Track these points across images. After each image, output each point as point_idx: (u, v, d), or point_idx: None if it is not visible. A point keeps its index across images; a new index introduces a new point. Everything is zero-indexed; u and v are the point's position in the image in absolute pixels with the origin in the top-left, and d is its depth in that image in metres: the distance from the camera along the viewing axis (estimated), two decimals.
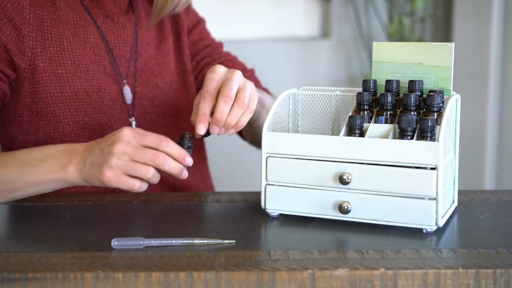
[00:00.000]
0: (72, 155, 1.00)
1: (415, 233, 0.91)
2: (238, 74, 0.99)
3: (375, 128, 0.95)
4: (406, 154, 0.90)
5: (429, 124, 0.90)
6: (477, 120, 2.27)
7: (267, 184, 0.97)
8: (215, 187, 1.40)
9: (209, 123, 0.98)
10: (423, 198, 0.90)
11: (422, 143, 0.89)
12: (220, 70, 1.00)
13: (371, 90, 1.00)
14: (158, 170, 0.97)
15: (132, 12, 1.25)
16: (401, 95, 0.99)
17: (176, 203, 1.08)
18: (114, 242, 0.86)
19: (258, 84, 1.33)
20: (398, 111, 0.97)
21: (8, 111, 1.17)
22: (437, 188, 0.89)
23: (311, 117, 1.06)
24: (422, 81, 0.98)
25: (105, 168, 0.95)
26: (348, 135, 0.95)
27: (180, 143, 0.99)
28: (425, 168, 0.89)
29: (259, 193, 1.00)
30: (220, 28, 1.75)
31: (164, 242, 0.87)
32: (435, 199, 0.90)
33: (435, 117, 0.93)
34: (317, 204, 0.95)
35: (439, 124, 0.91)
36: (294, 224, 0.95)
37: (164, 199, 1.10)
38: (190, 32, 1.33)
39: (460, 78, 2.23)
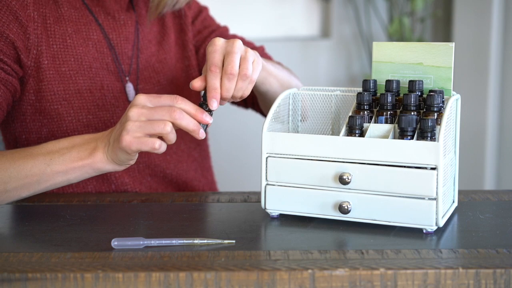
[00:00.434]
0: (98, 141, 0.99)
1: (415, 233, 0.91)
2: (238, 44, 0.98)
3: (375, 128, 0.95)
4: (406, 154, 0.90)
5: (429, 124, 0.90)
6: (477, 120, 2.27)
7: (267, 184, 0.97)
8: (217, 184, 1.40)
9: None
10: (423, 198, 0.90)
11: (422, 143, 0.89)
12: (219, 42, 0.98)
13: (371, 90, 1.00)
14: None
15: (132, 9, 1.25)
16: (401, 95, 0.99)
17: (176, 203, 1.08)
18: (114, 242, 0.86)
19: (271, 60, 1.30)
20: (398, 111, 0.97)
21: (12, 109, 1.17)
22: (437, 188, 0.89)
23: (311, 117, 1.06)
24: (422, 81, 0.98)
25: (123, 133, 0.93)
26: (348, 135, 0.95)
27: (201, 104, 0.98)
28: (425, 168, 0.89)
29: (259, 193, 1.00)
30: None
31: (164, 242, 0.87)
32: (435, 199, 0.90)
33: (435, 117, 0.93)
34: (317, 204, 0.95)
35: (439, 124, 0.91)
36: (294, 224, 0.95)
37: (164, 199, 1.10)
38: (194, 22, 1.33)
39: (460, 78, 2.24)
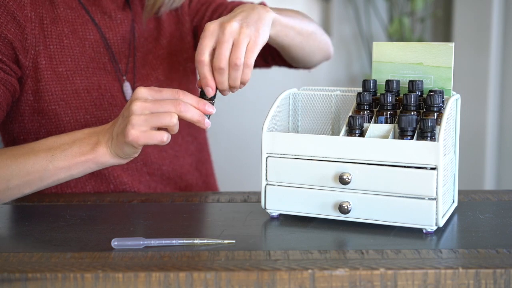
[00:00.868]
0: (100, 135, 0.98)
1: (415, 233, 0.91)
2: (229, 30, 0.96)
3: (375, 128, 0.95)
4: (406, 154, 0.90)
5: (429, 124, 0.90)
6: (477, 120, 2.27)
7: (267, 184, 0.97)
8: (216, 178, 1.40)
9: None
10: (423, 198, 0.90)
11: (422, 143, 0.89)
12: (211, 27, 0.96)
13: (371, 90, 1.00)
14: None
15: (128, 7, 1.25)
16: (401, 95, 0.99)
17: (176, 203, 1.08)
18: (114, 242, 0.86)
19: (285, 10, 1.22)
20: (398, 111, 0.97)
21: (10, 110, 1.17)
22: (437, 188, 0.89)
23: (311, 117, 1.06)
24: (422, 81, 0.98)
25: (128, 128, 0.92)
26: (348, 135, 0.95)
27: (202, 96, 0.97)
28: (425, 168, 0.89)
29: (259, 193, 1.00)
30: None
31: (164, 242, 0.87)
32: (435, 199, 0.90)
33: (435, 117, 0.93)
34: (317, 204, 0.95)
35: (439, 124, 0.91)
36: (294, 224, 0.95)
37: (164, 199, 1.10)
38: (190, 5, 1.31)
39: (460, 78, 2.24)
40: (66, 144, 0.99)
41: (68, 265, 0.80)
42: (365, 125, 0.96)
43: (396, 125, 0.94)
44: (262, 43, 0.99)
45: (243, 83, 0.98)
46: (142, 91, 0.94)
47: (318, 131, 1.05)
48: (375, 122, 0.97)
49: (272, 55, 1.31)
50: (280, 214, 0.99)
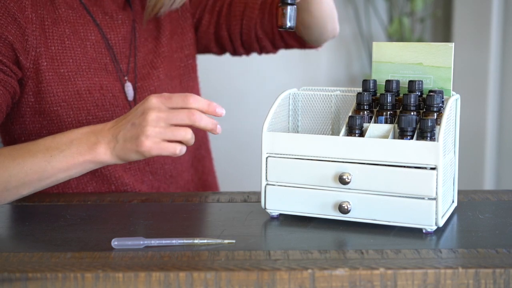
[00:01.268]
0: (99, 135, 0.98)
1: (415, 233, 0.91)
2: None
3: (375, 128, 0.95)
4: (406, 154, 0.90)
5: (429, 124, 0.90)
6: (477, 120, 2.27)
7: (267, 184, 0.97)
8: (218, 182, 1.40)
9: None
10: (423, 198, 0.90)
11: (421, 143, 0.89)
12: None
13: (371, 90, 1.00)
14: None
15: (129, 7, 1.25)
16: (401, 95, 0.99)
17: (176, 203, 1.08)
18: (114, 242, 0.86)
19: None
20: (398, 111, 0.97)
21: (11, 111, 1.17)
22: (437, 188, 0.89)
23: (311, 117, 1.06)
24: (422, 81, 0.98)
25: (142, 138, 0.94)
26: (348, 135, 0.95)
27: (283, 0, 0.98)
28: (425, 168, 0.89)
29: (259, 193, 1.00)
30: None
31: (164, 242, 0.87)
32: (435, 199, 0.90)
33: (435, 117, 0.93)
34: (317, 204, 0.95)
35: (439, 124, 0.91)
36: (294, 224, 0.95)
37: (164, 199, 1.10)
38: (191, 0, 1.32)
39: (460, 78, 2.24)
40: (64, 144, 0.99)
41: (68, 265, 0.80)
42: (365, 125, 0.96)
43: (396, 125, 0.94)
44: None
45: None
46: (154, 101, 0.95)
47: (318, 131, 1.05)
48: (375, 122, 0.97)
49: (280, 34, 1.31)
50: (280, 214, 0.99)
